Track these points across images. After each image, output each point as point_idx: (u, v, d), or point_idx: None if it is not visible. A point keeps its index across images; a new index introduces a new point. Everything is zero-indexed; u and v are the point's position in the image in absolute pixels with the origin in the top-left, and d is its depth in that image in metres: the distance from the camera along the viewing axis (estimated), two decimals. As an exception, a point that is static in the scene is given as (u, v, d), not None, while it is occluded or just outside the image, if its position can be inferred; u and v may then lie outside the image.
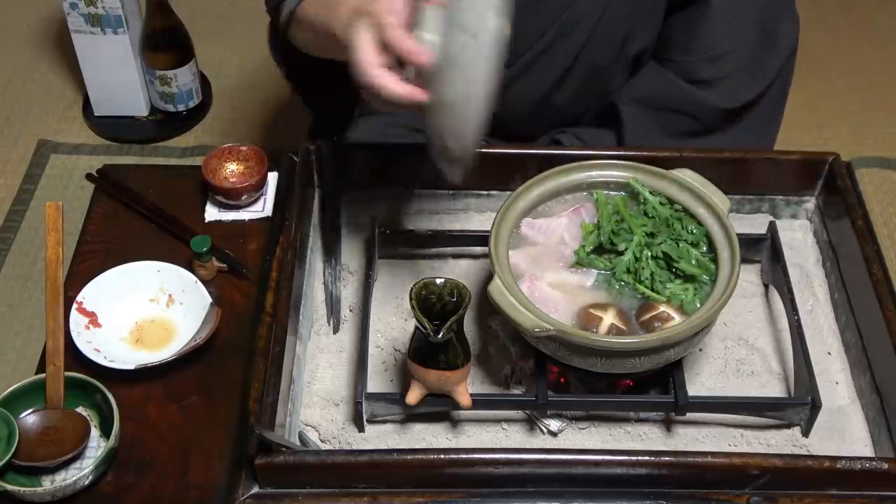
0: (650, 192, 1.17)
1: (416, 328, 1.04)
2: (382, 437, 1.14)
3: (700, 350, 1.21)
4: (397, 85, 0.95)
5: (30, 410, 1.06)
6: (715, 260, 1.12)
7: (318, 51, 1.16)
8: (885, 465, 1.01)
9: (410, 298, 1.02)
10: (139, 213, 1.28)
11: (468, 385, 1.18)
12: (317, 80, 1.34)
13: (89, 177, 1.33)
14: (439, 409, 1.13)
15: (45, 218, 1.07)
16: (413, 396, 1.09)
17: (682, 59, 1.37)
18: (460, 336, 1.05)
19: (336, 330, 1.24)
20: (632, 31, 1.36)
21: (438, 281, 1.03)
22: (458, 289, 1.03)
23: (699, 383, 1.19)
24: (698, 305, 1.09)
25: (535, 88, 1.41)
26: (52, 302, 1.06)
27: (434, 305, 1.03)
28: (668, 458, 1.00)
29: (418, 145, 1.32)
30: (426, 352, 1.05)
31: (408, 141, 1.50)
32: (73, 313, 1.13)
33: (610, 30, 1.34)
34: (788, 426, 1.14)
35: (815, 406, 1.10)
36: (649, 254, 1.12)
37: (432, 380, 1.07)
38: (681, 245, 1.13)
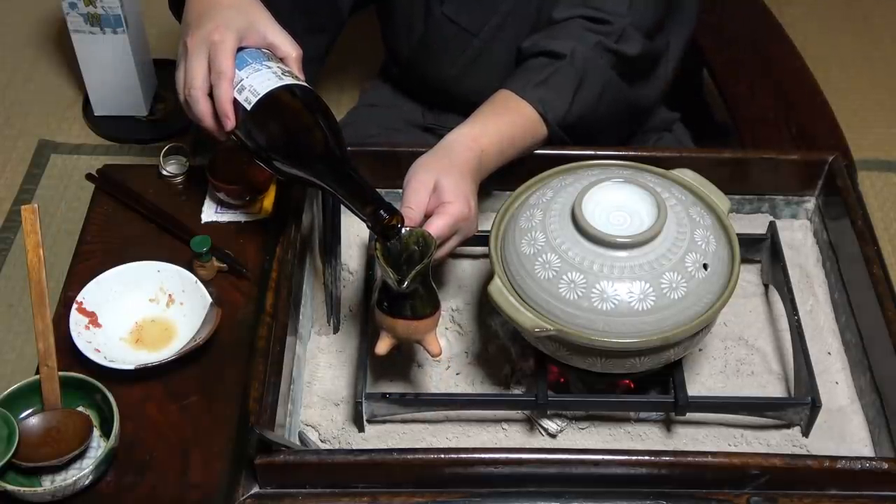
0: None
1: (382, 279, 1.04)
2: (382, 437, 1.14)
3: (700, 350, 1.21)
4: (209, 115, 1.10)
5: (30, 410, 1.06)
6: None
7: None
8: (885, 465, 1.01)
9: (374, 248, 1.02)
10: (139, 213, 1.28)
11: (469, 382, 1.19)
12: None
13: (89, 177, 1.33)
14: (439, 410, 1.13)
15: (23, 222, 1.06)
16: (382, 347, 1.08)
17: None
18: (427, 285, 1.04)
19: (336, 330, 1.24)
20: None
21: (403, 231, 1.03)
22: (424, 237, 1.03)
23: (699, 383, 1.19)
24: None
25: (503, 59, 1.39)
26: (38, 304, 1.06)
27: (400, 255, 1.03)
28: (668, 458, 1.00)
29: (417, 145, 1.32)
30: (393, 301, 1.04)
31: (407, 139, 1.50)
32: (73, 313, 1.13)
33: None
34: (788, 426, 1.14)
35: (815, 406, 1.10)
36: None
37: (400, 330, 1.06)
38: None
